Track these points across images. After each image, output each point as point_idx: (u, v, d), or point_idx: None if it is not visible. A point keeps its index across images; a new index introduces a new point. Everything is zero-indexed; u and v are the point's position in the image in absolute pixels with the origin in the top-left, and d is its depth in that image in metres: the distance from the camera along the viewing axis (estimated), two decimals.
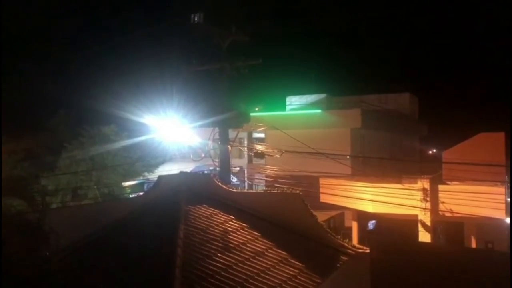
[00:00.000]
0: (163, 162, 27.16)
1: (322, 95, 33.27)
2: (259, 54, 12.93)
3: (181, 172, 9.23)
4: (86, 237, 7.80)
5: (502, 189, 16.65)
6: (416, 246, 15.05)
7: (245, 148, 20.45)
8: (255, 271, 6.69)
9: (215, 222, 7.83)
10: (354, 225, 21.52)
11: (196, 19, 12.20)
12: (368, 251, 9.00)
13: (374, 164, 25.47)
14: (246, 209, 8.68)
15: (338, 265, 8.14)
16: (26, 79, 26.26)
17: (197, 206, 8.12)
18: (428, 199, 17.37)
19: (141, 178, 25.95)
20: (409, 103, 37.64)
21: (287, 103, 34.00)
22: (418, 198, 17.33)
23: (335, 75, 53.95)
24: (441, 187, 17.73)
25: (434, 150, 44.21)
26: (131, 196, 21.22)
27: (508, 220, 16.45)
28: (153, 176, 23.78)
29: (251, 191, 13.79)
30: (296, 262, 7.36)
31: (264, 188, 21.14)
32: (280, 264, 7.19)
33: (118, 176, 24.14)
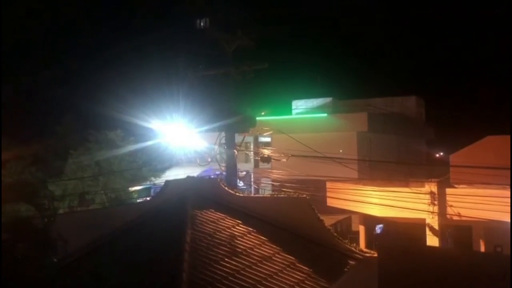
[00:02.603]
0: (169, 167, 27.22)
1: (328, 99, 33.28)
2: (265, 58, 12.96)
3: (188, 177, 9.23)
4: (94, 242, 7.82)
5: (510, 192, 16.48)
6: (424, 250, 14.89)
7: (252, 153, 20.46)
8: (263, 276, 6.67)
9: (222, 227, 7.81)
10: (361, 229, 21.45)
11: (202, 24, 12.24)
12: (375, 255, 8.94)
13: (381, 167, 25.38)
14: (253, 214, 8.67)
15: (345, 269, 8.10)
16: (34, 84, 26.46)
17: (204, 210, 8.12)
18: (435, 202, 17.26)
19: (148, 183, 26.02)
20: (416, 106, 37.53)
21: (293, 107, 34.03)
22: (426, 201, 17.23)
23: (341, 79, 53.92)
24: (448, 190, 17.60)
25: (441, 153, 43.95)
26: (138, 201, 21.24)
27: None
28: (160, 181, 23.82)
29: (258, 195, 13.77)
30: (303, 267, 7.34)
31: (271, 192, 21.11)
32: (288, 268, 7.16)
33: (125, 181, 24.22)
